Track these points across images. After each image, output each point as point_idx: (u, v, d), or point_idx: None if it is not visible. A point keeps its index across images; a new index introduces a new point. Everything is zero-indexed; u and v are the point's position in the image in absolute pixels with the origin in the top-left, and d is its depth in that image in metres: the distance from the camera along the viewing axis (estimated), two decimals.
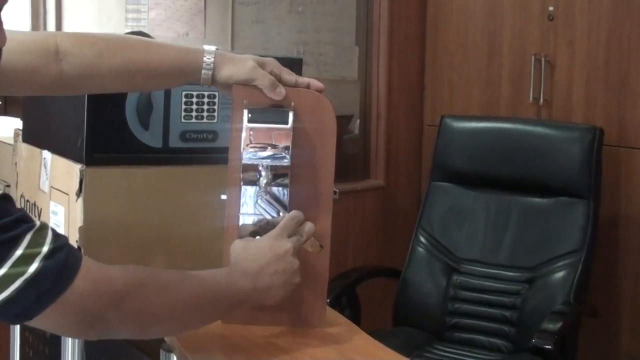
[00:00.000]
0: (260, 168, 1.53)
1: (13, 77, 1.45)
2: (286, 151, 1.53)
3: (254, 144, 1.53)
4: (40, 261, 1.16)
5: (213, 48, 1.55)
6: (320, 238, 1.56)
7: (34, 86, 1.52)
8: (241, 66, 1.54)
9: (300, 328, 1.58)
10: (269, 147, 1.53)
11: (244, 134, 1.53)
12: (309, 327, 1.58)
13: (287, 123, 1.54)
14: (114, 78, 1.52)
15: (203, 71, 1.53)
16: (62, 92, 1.57)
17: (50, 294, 1.18)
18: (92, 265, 1.25)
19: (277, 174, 1.54)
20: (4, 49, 1.38)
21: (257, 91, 1.54)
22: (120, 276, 1.27)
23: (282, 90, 1.54)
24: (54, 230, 1.21)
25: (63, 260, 1.19)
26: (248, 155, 1.53)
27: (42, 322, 1.21)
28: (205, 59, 1.53)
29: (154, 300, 1.30)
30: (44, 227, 1.20)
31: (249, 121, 1.53)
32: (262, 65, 1.55)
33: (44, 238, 1.18)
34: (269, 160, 1.53)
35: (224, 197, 1.60)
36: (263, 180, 1.53)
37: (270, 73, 1.55)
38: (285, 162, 1.53)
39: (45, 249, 1.17)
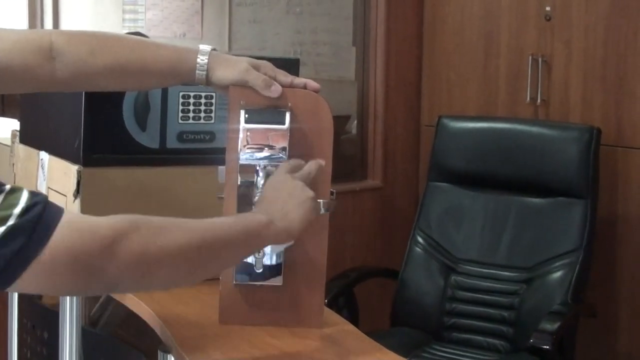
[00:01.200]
0: (257, 168, 1.53)
1: (8, 76, 1.46)
2: (283, 152, 1.53)
3: (251, 144, 1.53)
4: (13, 219, 1.12)
5: (208, 48, 1.54)
6: (318, 238, 1.57)
7: (29, 84, 1.53)
8: (234, 67, 1.54)
9: (298, 328, 1.58)
10: (266, 148, 1.54)
11: (241, 135, 1.53)
12: (307, 328, 1.58)
13: (284, 123, 1.54)
14: (108, 76, 1.52)
15: (197, 72, 1.53)
16: (56, 90, 1.57)
17: (26, 250, 1.13)
18: (75, 217, 1.21)
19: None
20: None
21: (253, 92, 1.54)
22: (106, 223, 1.21)
23: (277, 88, 1.54)
24: (31, 192, 1.16)
25: (37, 216, 1.13)
26: (245, 155, 1.53)
27: (33, 282, 1.15)
28: (199, 59, 1.52)
29: (151, 241, 1.23)
30: (17, 189, 1.15)
31: (246, 122, 1.53)
32: (256, 68, 1.55)
33: (18, 199, 1.13)
34: (266, 161, 1.53)
35: (221, 196, 1.60)
36: (260, 181, 1.53)
37: (265, 75, 1.55)
38: (283, 162, 1.53)
39: (17, 209, 1.13)
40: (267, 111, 1.55)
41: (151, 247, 1.23)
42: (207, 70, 1.53)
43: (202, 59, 1.52)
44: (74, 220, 1.19)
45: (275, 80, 1.55)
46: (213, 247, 1.31)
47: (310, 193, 1.45)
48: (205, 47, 1.54)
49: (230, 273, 1.57)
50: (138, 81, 1.56)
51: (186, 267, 1.29)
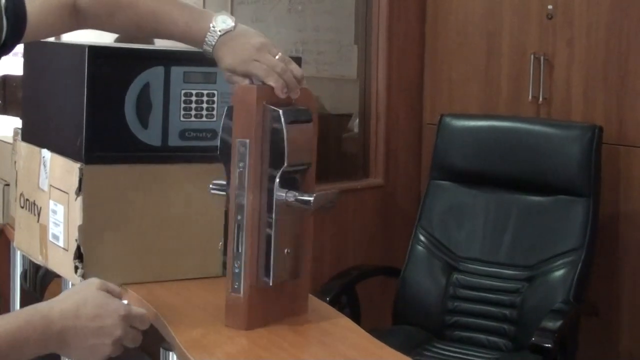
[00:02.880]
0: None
1: (37, 32, 1.61)
2: (310, 149, 1.52)
3: (295, 146, 1.51)
4: None
5: (221, 27, 1.56)
6: (304, 232, 1.57)
7: (52, 35, 1.72)
8: (238, 55, 1.55)
9: (299, 326, 1.58)
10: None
11: (285, 136, 1.49)
12: (297, 315, 1.59)
13: (311, 120, 1.53)
14: (123, 33, 1.73)
15: (205, 47, 1.57)
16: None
17: None
18: None
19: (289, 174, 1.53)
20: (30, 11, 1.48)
21: (269, 89, 1.54)
22: None
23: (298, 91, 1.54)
24: None
25: None
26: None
27: None
28: (207, 39, 1.56)
29: None
30: None
31: (287, 122, 1.50)
32: (269, 52, 1.55)
33: None
34: (300, 167, 1.52)
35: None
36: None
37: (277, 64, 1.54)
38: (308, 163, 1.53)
39: None
40: (296, 109, 1.54)
41: None
42: (213, 50, 1.56)
43: (209, 39, 1.56)
44: None
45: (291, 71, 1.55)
46: None
47: (118, 333, 1.32)
48: (218, 25, 1.56)
49: (253, 277, 1.54)
50: (152, 37, 1.73)
51: None
